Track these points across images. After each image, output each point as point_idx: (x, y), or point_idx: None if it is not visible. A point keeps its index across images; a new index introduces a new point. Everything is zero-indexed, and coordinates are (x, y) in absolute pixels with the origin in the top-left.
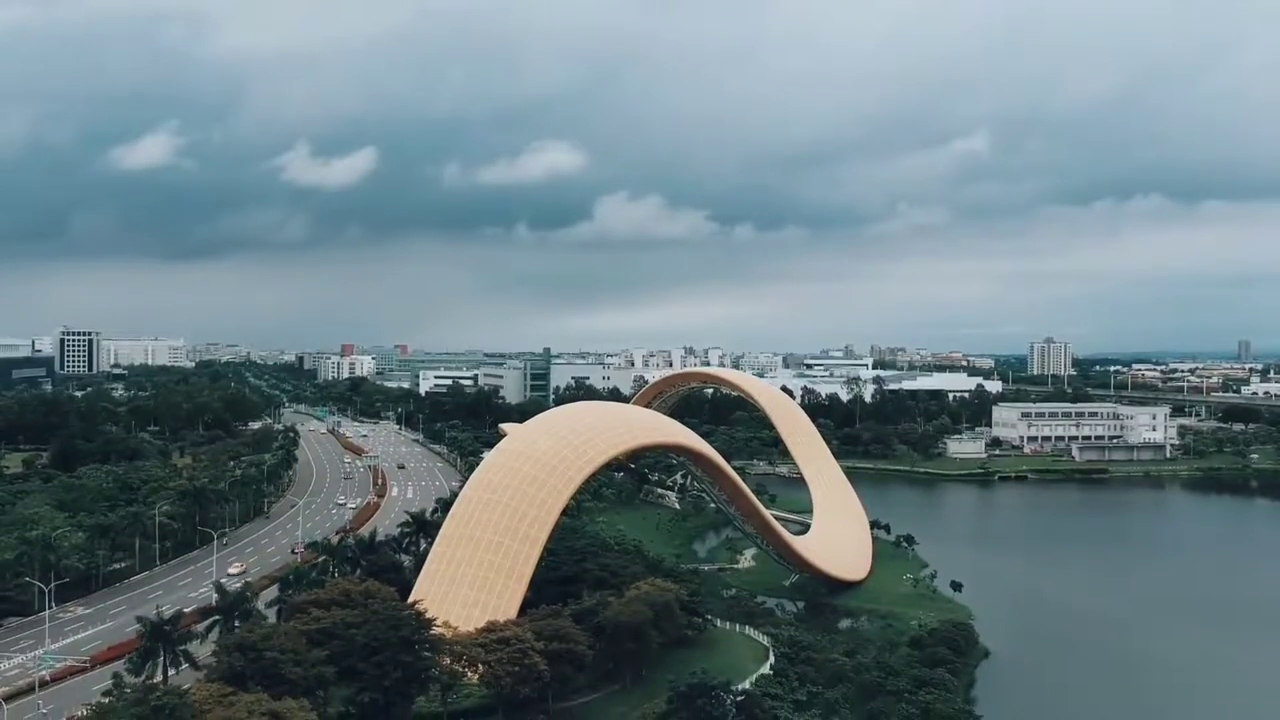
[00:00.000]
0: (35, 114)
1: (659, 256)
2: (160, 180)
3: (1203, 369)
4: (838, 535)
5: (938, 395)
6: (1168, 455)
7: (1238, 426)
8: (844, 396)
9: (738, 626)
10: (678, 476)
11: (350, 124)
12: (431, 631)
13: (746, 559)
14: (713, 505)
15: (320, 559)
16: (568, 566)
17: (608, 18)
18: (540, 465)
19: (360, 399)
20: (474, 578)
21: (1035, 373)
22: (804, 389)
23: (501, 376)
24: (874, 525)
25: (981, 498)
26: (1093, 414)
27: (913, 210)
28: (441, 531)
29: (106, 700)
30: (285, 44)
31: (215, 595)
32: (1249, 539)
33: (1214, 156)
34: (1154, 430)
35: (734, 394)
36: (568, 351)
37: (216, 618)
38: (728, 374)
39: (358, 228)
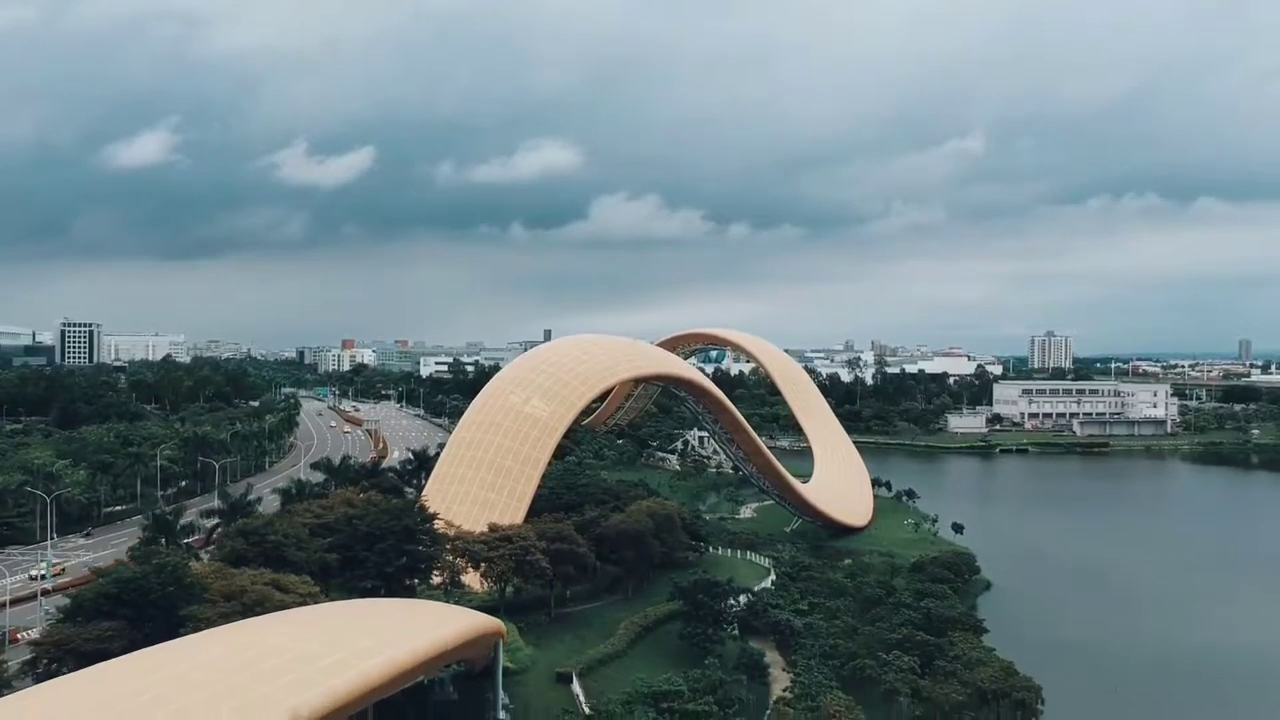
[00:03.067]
0: (32, 113)
1: (656, 256)
2: (159, 179)
3: (1203, 364)
4: (839, 484)
5: (939, 379)
6: (1169, 431)
7: (1238, 407)
8: (845, 378)
9: (739, 553)
10: (679, 443)
11: (351, 123)
12: (434, 525)
13: (748, 511)
14: (713, 469)
15: (323, 479)
16: (570, 495)
17: (620, 21)
18: (541, 391)
19: (361, 380)
20: (475, 496)
21: (1036, 367)
22: (805, 370)
23: (503, 358)
24: (875, 483)
25: (983, 466)
26: (1093, 391)
27: (912, 211)
28: (443, 454)
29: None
30: (285, 43)
31: (217, 499)
32: (1240, 501)
33: (1217, 159)
34: (1155, 407)
35: (734, 374)
36: None
37: (218, 520)
38: (731, 334)
39: (358, 226)
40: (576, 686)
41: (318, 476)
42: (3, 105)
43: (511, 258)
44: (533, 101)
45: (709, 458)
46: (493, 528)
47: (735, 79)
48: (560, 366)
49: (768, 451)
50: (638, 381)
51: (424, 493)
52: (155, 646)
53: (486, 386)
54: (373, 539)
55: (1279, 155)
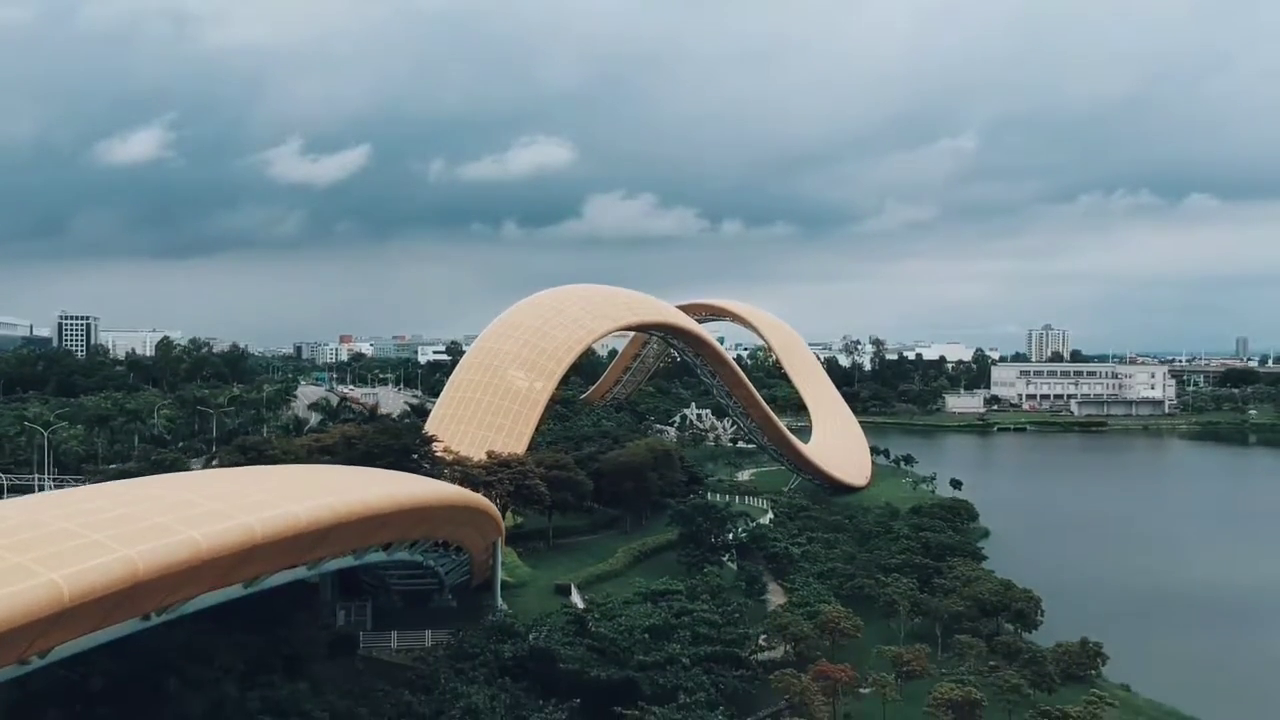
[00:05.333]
0: (25, 110)
1: (650, 255)
2: (153, 177)
3: (1201, 360)
4: (838, 446)
5: (936, 364)
6: (1166, 411)
7: (1236, 390)
8: (843, 363)
9: (738, 498)
10: (677, 417)
11: (349, 121)
12: (433, 447)
13: (745, 475)
14: (711, 441)
15: (320, 419)
16: (568, 443)
17: (626, 19)
18: (541, 335)
19: (359, 367)
20: (475, 436)
21: (1034, 359)
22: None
23: None
24: (873, 451)
25: (981, 442)
26: (1091, 373)
27: (909, 209)
28: (442, 395)
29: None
30: (284, 39)
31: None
32: (1232, 470)
33: (1216, 156)
34: (1152, 389)
35: (732, 356)
36: None
37: (215, 450)
38: (730, 304)
39: (355, 224)
40: (575, 595)
41: (316, 420)
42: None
43: (509, 256)
44: (534, 101)
45: (707, 431)
46: (491, 455)
47: (738, 77)
48: (557, 311)
49: (766, 407)
50: (634, 329)
51: (424, 429)
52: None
53: (485, 330)
54: (371, 458)
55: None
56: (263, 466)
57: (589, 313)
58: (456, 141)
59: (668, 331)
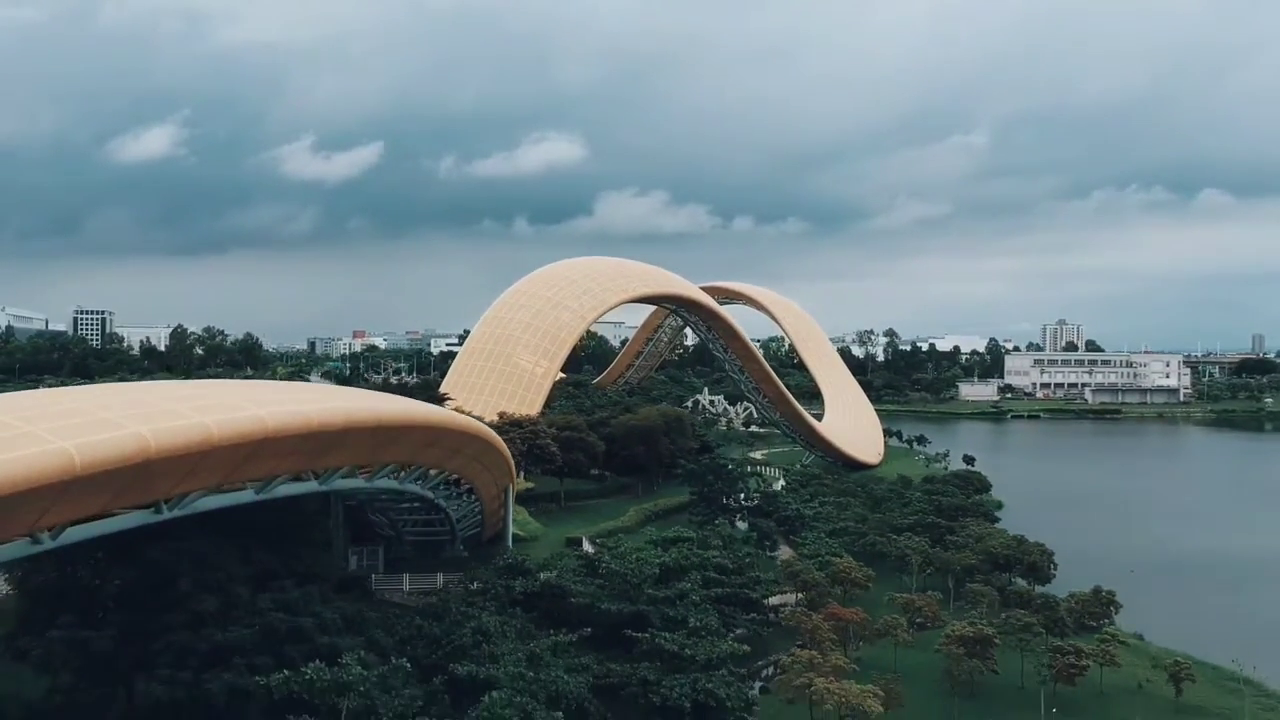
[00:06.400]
0: (45, 110)
1: (662, 252)
2: (169, 175)
3: (1216, 355)
4: (850, 424)
5: (950, 355)
6: (1181, 399)
7: (1251, 379)
8: (856, 353)
9: (750, 469)
10: (689, 402)
11: (363, 118)
12: (446, 405)
13: (757, 454)
14: (723, 425)
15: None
16: (579, 413)
17: (647, 16)
18: (554, 305)
19: (372, 357)
20: (487, 403)
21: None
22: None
23: None
24: (886, 433)
25: (995, 428)
26: (1105, 362)
27: (923, 207)
28: (454, 363)
29: None
30: (301, 37)
31: None
32: (1245, 453)
33: (1232, 152)
34: (1167, 377)
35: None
36: None
37: None
38: (745, 287)
39: (367, 221)
40: (586, 545)
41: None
42: (8, 102)
43: (517, 252)
44: (549, 98)
45: (719, 415)
46: (503, 415)
47: (754, 75)
48: (569, 283)
49: (780, 382)
50: (647, 300)
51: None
52: None
53: (498, 299)
54: None
55: None
56: (278, 382)
57: (600, 284)
58: (470, 139)
59: (680, 304)
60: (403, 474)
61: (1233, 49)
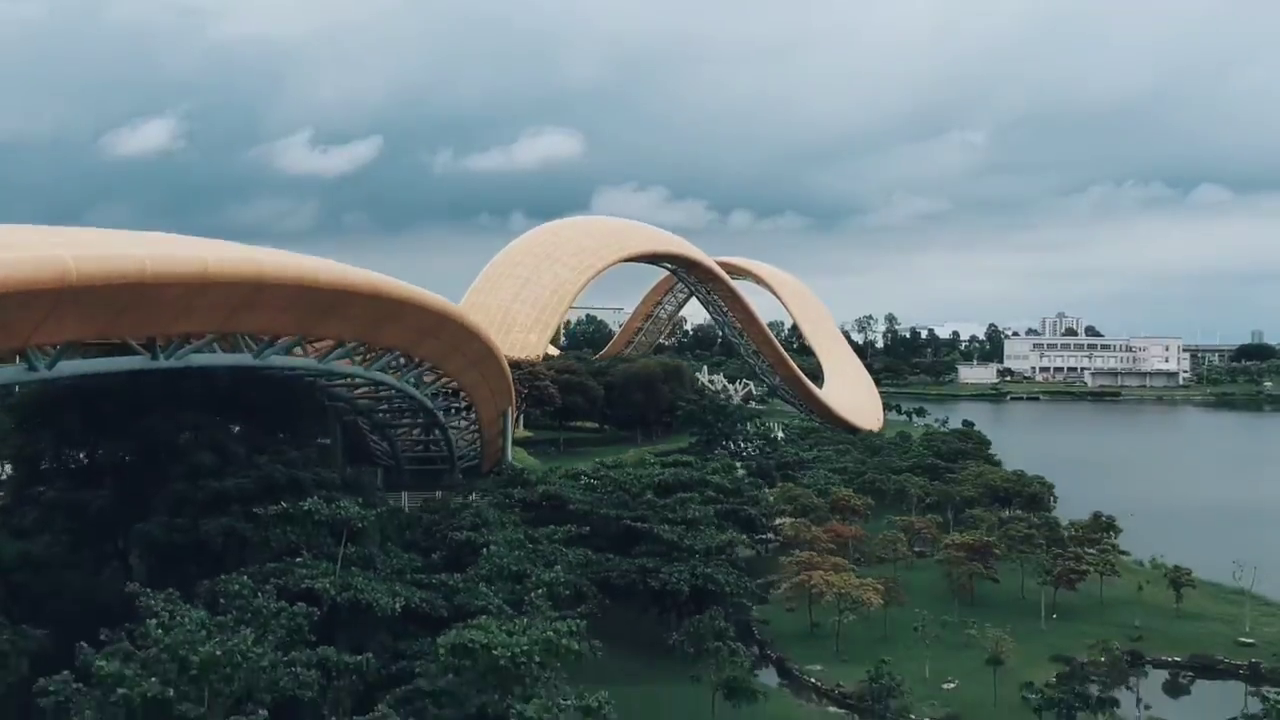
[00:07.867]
0: (45, 105)
1: None
2: (167, 169)
3: (1216, 345)
4: (850, 393)
5: (950, 341)
6: (1180, 382)
7: (1251, 364)
8: (856, 338)
9: (749, 425)
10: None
11: (362, 112)
12: None
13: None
14: (722, 398)
15: None
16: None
17: (653, 13)
18: (553, 260)
19: None
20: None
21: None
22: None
23: None
24: (885, 407)
25: (994, 408)
26: (1105, 346)
27: (921, 202)
28: (469, 294)
29: None
30: (294, 30)
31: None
32: (1241, 430)
33: (1233, 149)
34: (1166, 361)
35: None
36: None
37: None
38: (750, 263)
39: (365, 215)
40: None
41: None
42: (9, 99)
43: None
44: (550, 93)
45: (719, 392)
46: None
47: (758, 71)
48: (574, 243)
49: (780, 347)
50: (645, 258)
51: None
52: None
53: (493, 260)
54: None
55: None
56: None
57: (598, 241)
58: (467, 133)
59: (679, 264)
60: (403, 369)
61: (1232, 45)
